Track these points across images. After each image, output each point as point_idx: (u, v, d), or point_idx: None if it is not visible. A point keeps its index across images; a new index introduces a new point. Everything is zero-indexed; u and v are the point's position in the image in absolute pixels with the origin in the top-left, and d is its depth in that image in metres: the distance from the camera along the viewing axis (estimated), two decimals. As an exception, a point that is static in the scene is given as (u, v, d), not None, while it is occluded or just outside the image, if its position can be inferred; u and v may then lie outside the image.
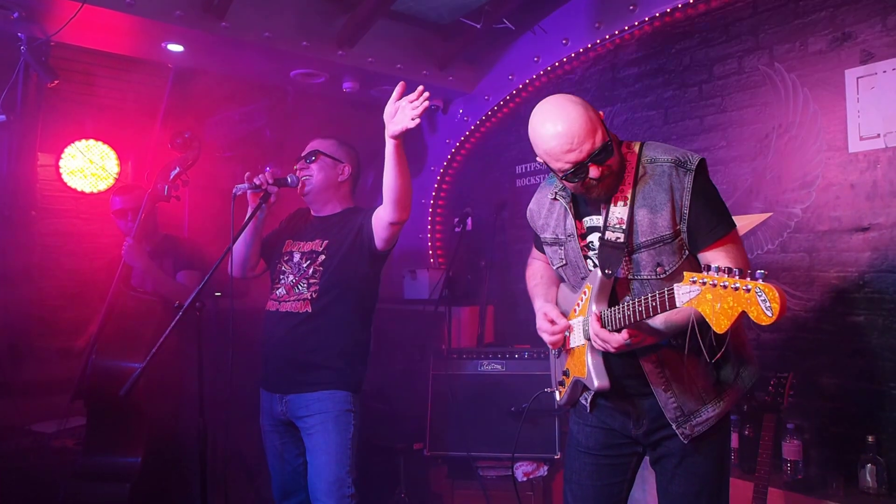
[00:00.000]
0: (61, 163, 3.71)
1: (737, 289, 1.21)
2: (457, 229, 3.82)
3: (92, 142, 3.78)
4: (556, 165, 1.59)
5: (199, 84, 3.77)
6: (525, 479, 3.07)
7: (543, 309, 1.83)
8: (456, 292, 3.79)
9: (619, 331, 1.54)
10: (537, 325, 1.84)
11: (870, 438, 2.32)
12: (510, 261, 4.04)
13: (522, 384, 3.18)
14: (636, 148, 1.67)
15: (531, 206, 1.93)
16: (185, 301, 2.04)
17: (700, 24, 3.02)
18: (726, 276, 1.25)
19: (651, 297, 1.44)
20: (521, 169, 4.01)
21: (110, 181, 3.87)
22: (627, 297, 1.62)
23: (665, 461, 1.75)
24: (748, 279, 1.21)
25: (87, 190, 3.82)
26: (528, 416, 3.10)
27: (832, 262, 2.54)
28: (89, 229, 3.99)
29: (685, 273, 1.33)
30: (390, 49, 3.70)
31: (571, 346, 1.78)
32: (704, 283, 1.29)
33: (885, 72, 2.38)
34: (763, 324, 1.18)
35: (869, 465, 2.30)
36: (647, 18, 3.18)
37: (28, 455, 3.09)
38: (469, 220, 4.02)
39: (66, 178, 3.73)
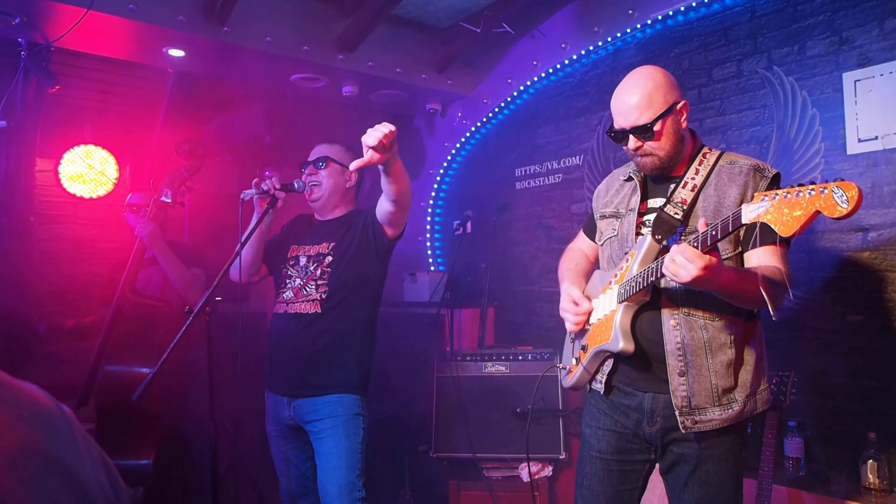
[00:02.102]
0: (60, 168, 3.69)
1: (812, 194, 1.26)
2: (457, 232, 3.84)
3: (91, 147, 3.77)
4: (613, 121, 1.77)
5: (199, 88, 3.76)
6: (530, 479, 3.08)
7: (569, 291, 1.90)
8: (456, 295, 3.81)
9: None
10: (561, 306, 1.90)
11: (871, 435, 2.35)
12: (510, 263, 4.06)
13: (526, 385, 3.20)
14: (717, 153, 1.79)
15: (600, 186, 2.04)
16: (194, 299, 2.05)
17: (699, 28, 3.06)
18: (798, 187, 1.30)
19: (714, 225, 1.46)
20: (521, 172, 4.04)
21: (109, 186, 3.85)
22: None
23: (678, 468, 1.75)
24: (823, 184, 1.26)
25: (87, 195, 3.80)
26: (533, 417, 3.12)
27: (832, 261, 2.58)
28: (88, 235, 3.98)
29: (755, 194, 1.39)
30: (390, 53, 3.72)
31: (599, 316, 1.81)
32: (776, 198, 1.32)
33: (882, 75, 2.42)
34: (835, 216, 1.23)
35: (870, 461, 2.33)
36: (646, 22, 3.22)
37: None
38: (469, 223, 4.04)
39: (65, 183, 3.71)
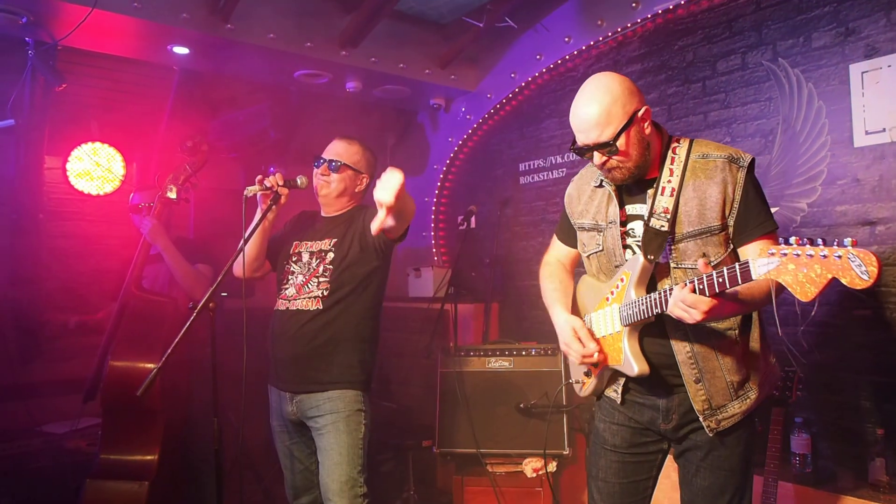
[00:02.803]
0: (68, 165, 3.72)
1: (825, 256, 1.21)
2: (461, 227, 3.84)
3: (98, 144, 3.79)
4: (575, 137, 1.71)
5: (204, 86, 3.78)
6: (534, 474, 3.08)
7: (571, 323, 1.81)
8: (461, 290, 3.81)
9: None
10: (564, 339, 1.82)
11: (879, 432, 2.33)
12: (514, 258, 4.05)
13: (530, 381, 3.20)
14: (686, 143, 1.73)
15: (570, 190, 1.97)
16: (199, 295, 2.06)
17: (703, 20, 3.03)
18: (809, 245, 1.24)
19: (720, 272, 1.43)
20: (525, 166, 4.03)
21: (117, 183, 3.88)
22: (686, 279, 1.57)
23: (690, 454, 1.76)
24: (836, 247, 1.21)
25: (94, 192, 3.83)
26: (537, 413, 3.12)
27: (838, 256, 2.55)
28: (96, 231, 4.01)
29: (761, 247, 1.35)
30: (393, 49, 3.72)
31: (604, 334, 1.78)
32: (786, 255, 1.27)
33: (889, 66, 2.38)
34: (857, 288, 1.19)
35: (878, 458, 2.31)
36: (649, 15, 3.18)
37: (40, 456, 3.11)
38: (473, 218, 4.04)
39: (73, 180, 3.74)
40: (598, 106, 1.62)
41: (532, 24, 3.72)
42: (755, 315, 1.74)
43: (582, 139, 1.67)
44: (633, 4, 3.23)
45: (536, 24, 3.71)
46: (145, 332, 2.56)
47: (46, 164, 3.71)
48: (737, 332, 1.68)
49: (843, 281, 1.19)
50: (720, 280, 1.42)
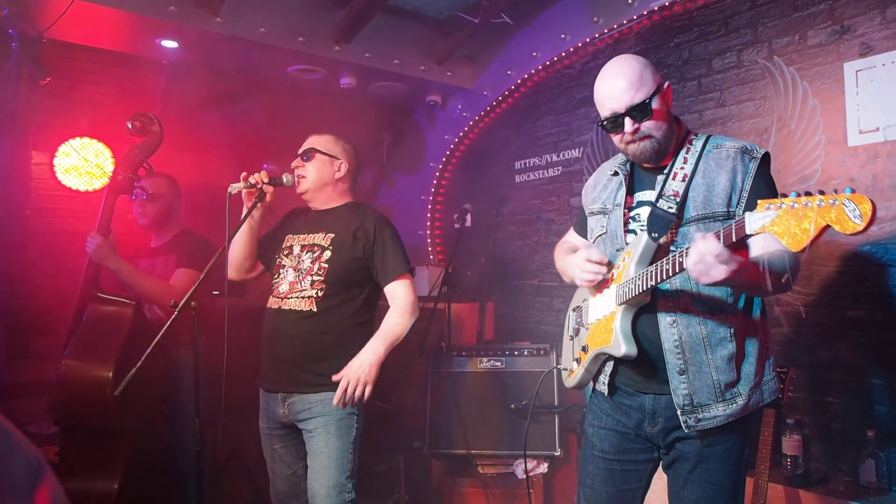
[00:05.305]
0: (56, 161, 3.64)
1: (821, 205, 1.20)
2: (456, 225, 3.81)
3: (86, 140, 3.72)
4: (601, 113, 1.70)
5: (195, 80, 3.73)
6: (525, 476, 3.06)
7: (580, 254, 1.77)
8: (456, 289, 3.78)
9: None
10: (576, 268, 1.76)
11: (870, 433, 2.31)
12: (510, 256, 4.02)
13: (522, 381, 3.17)
14: (703, 137, 1.75)
15: (588, 181, 2.00)
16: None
17: (699, 17, 3.01)
18: (805, 197, 1.24)
19: (717, 231, 1.42)
20: (521, 165, 4.00)
21: (105, 179, 3.82)
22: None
23: (679, 465, 1.71)
24: (832, 194, 1.20)
25: (83, 188, 3.76)
26: (529, 414, 3.09)
27: (832, 256, 2.53)
28: (84, 228, 3.92)
29: (759, 201, 1.32)
30: (388, 44, 3.68)
31: (598, 317, 1.76)
32: (782, 207, 1.26)
33: (884, 65, 2.36)
34: (849, 233, 1.18)
35: (869, 459, 2.30)
36: (645, 12, 3.16)
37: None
38: (468, 217, 4.00)
39: (60, 176, 3.67)
40: (630, 70, 1.64)
41: (528, 20, 3.69)
42: (759, 321, 1.69)
43: (613, 106, 1.64)
44: (630, 1, 3.20)
45: (533, 20, 3.68)
46: (100, 338, 2.35)
47: (33, 159, 3.66)
48: (733, 329, 1.63)
49: (836, 228, 1.19)
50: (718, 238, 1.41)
